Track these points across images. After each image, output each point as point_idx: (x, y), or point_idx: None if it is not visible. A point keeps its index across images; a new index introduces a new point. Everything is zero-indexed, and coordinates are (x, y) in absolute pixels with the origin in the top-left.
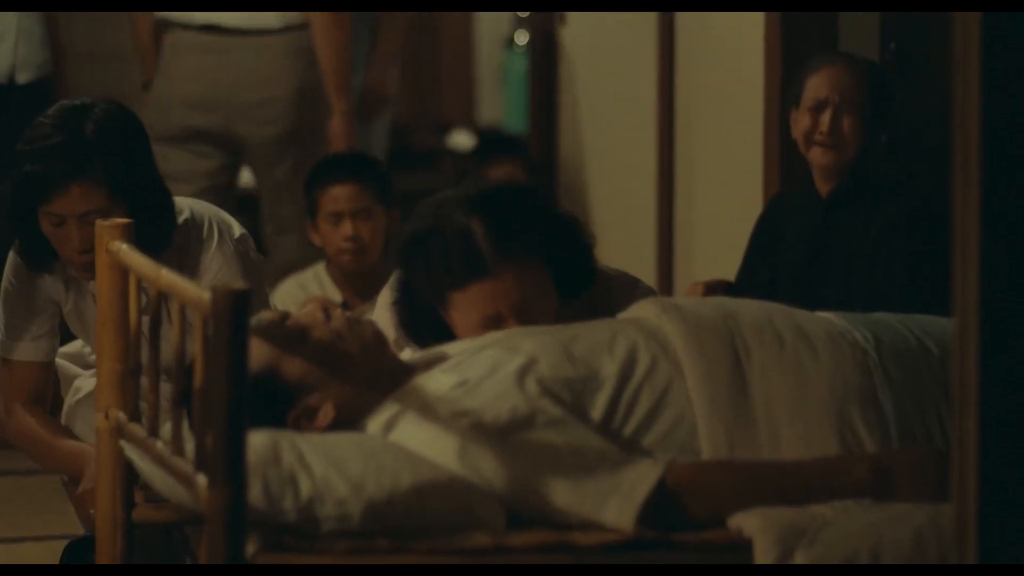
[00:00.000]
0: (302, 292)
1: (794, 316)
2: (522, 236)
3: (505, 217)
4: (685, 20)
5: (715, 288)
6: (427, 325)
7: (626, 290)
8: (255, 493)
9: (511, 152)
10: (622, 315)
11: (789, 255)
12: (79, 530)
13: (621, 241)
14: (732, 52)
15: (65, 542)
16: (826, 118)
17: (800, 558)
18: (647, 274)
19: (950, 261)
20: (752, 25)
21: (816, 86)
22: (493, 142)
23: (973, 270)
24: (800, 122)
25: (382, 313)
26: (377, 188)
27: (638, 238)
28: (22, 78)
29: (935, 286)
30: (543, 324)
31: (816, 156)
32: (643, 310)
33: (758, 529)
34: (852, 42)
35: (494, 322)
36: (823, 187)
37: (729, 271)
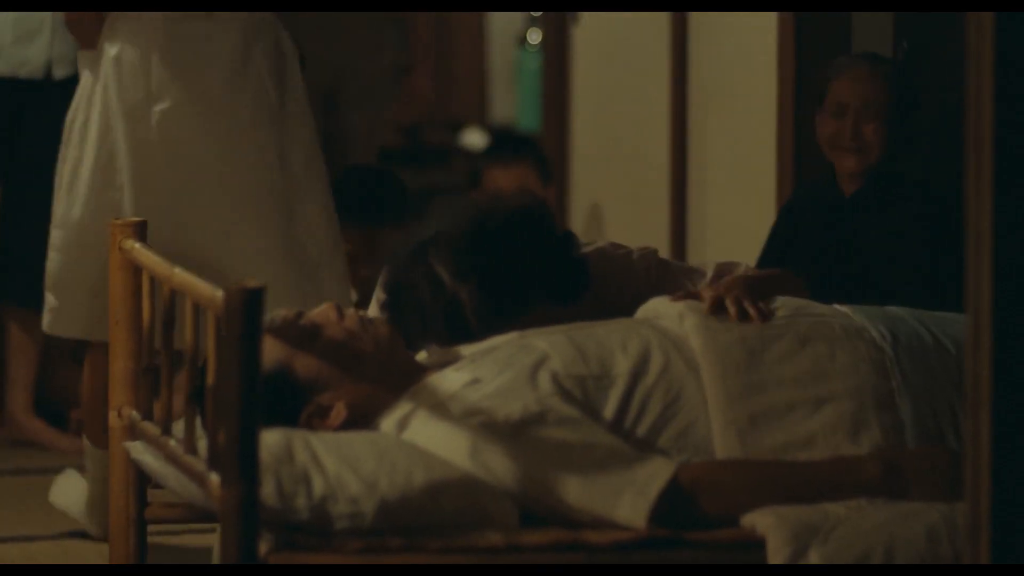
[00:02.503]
0: None
1: (812, 312)
2: (511, 305)
3: (494, 288)
4: (698, 17)
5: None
6: (415, 327)
7: (611, 261)
8: (268, 491)
9: (523, 153)
10: (643, 307)
11: (811, 252)
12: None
13: (634, 239)
14: (745, 48)
15: (76, 541)
16: (848, 123)
17: (813, 556)
18: None
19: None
20: (766, 21)
21: (839, 91)
22: (505, 143)
23: (986, 268)
24: (824, 127)
25: (374, 312)
26: None
27: (651, 236)
28: (59, 73)
29: (958, 283)
30: None
31: (840, 160)
32: (664, 307)
33: (771, 527)
34: (865, 40)
35: None
36: (847, 188)
37: None
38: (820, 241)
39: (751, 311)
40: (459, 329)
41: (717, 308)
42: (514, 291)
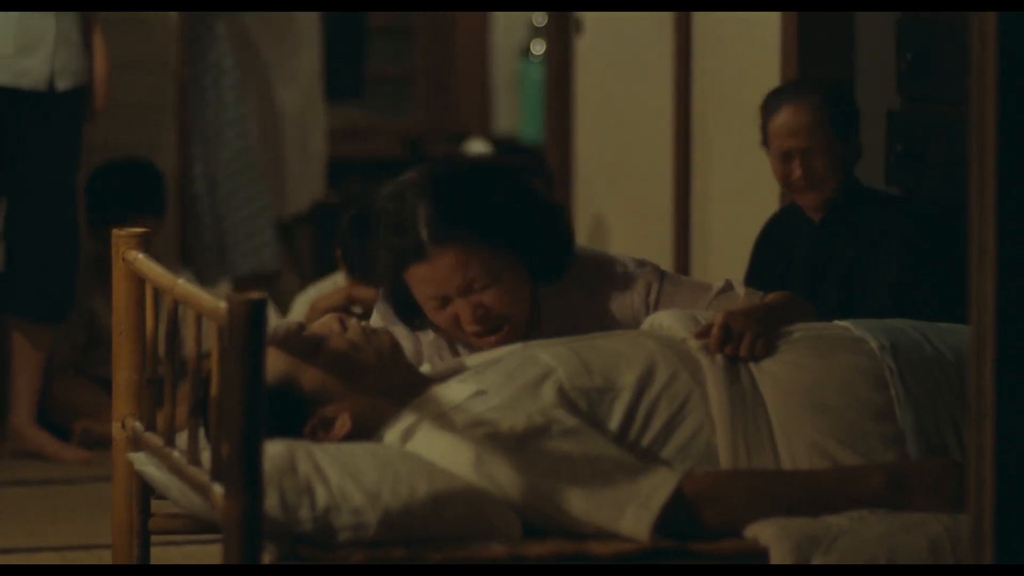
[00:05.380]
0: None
1: (810, 326)
2: (467, 219)
3: (454, 200)
4: (701, 28)
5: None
6: (416, 308)
7: (602, 274)
8: (271, 503)
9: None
10: (649, 319)
11: (790, 277)
12: (91, 540)
13: (638, 249)
14: (749, 60)
15: (80, 552)
16: (796, 166)
17: None
18: None
19: (941, 266)
20: (768, 34)
21: (778, 138)
22: (508, 154)
23: (990, 278)
24: (775, 167)
25: (379, 304)
26: None
27: (655, 247)
28: (61, 85)
29: (932, 289)
30: (503, 309)
31: (800, 198)
32: (670, 319)
33: (774, 538)
34: (868, 53)
35: (443, 303)
36: (814, 216)
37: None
38: (798, 266)
39: (743, 352)
40: (412, 248)
41: (725, 338)
42: (473, 209)
